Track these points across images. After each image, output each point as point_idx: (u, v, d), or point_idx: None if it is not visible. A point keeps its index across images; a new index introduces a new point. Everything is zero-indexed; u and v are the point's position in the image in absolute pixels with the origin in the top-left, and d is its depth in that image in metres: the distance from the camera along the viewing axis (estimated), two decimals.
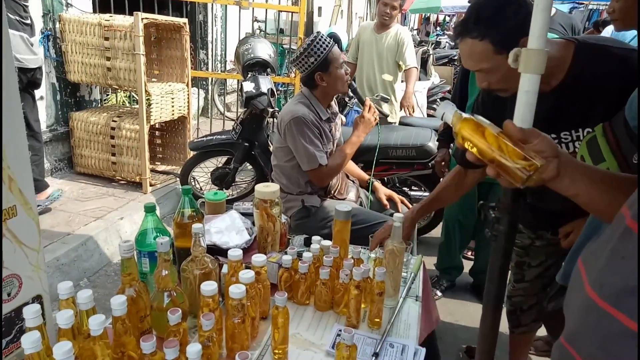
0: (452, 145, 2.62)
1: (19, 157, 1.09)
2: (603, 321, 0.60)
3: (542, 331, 2.37)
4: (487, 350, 1.02)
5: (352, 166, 2.52)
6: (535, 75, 0.84)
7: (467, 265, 2.98)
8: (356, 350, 1.11)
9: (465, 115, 0.82)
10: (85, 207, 3.39)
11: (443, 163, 2.64)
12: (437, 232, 3.34)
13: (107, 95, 4.84)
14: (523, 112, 0.86)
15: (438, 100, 5.83)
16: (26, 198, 1.11)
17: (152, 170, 4.03)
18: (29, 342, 0.81)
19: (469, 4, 1.36)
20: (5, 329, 1.11)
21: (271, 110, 3.22)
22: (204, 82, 6.34)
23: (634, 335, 0.56)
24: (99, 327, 0.90)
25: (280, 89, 5.88)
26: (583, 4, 10.64)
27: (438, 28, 17.08)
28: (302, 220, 2.18)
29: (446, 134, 2.63)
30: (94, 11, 4.13)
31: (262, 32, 6.48)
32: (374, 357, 1.19)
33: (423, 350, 1.25)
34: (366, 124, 2.20)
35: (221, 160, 3.69)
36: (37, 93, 3.67)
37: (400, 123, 3.78)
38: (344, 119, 2.75)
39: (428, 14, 15.21)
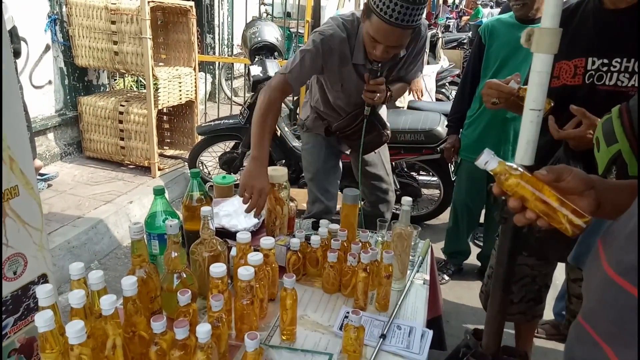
0: (461, 131, 2.59)
1: (18, 138, 1.10)
2: (620, 297, 0.61)
3: (549, 315, 2.38)
4: (494, 332, 1.02)
5: None
6: (549, 55, 0.83)
7: (475, 250, 2.99)
8: (364, 332, 1.12)
9: (512, 164, 0.80)
10: (94, 191, 3.42)
11: (453, 149, 2.61)
12: (444, 217, 3.34)
13: (115, 79, 4.84)
14: (535, 93, 0.85)
15: (447, 84, 5.76)
16: (27, 178, 1.13)
17: (161, 155, 4.05)
18: (42, 320, 0.83)
19: None
20: (12, 306, 1.13)
21: None
22: (211, 67, 6.31)
23: None
24: (110, 306, 0.91)
25: None
26: None
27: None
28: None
29: (456, 120, 2.60)
30: None
31: (269, 16, 6.43)
32: (381, 339, 1.20)
33: (430, 332, 1.25)
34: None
35: (229, 144, 3.70)
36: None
37: (409, 107, 3.75)
38: None
39: None
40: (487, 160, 0.81)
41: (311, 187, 2.18)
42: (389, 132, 2.02)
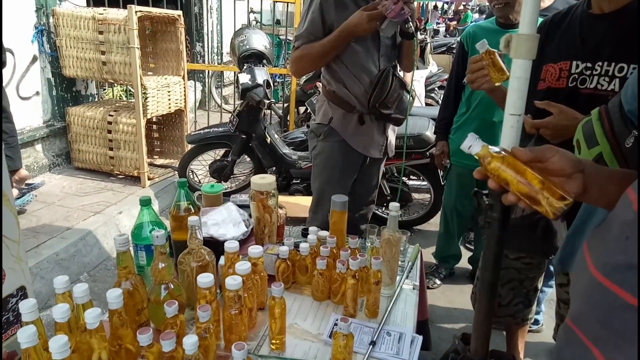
0: (449, 137, 2.60)
1: None
2: (607, 299, 0.62)
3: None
4: (482, 336, 1.03)
5: None
6: (527, 60, 0.84)
7: (466, 254, 3.00)
8: (353, 339, 1.12)
9: (495, 149, 0.81)
10: (83, 202, 3.39)
11: (442, 155, 2.62)
12: (435, 221, 3.35)
13: (104, 89, 4.82)
14: (514, 100, 0.85)
15: (436, 89, 5.80)
16: (3, 190, 1.11)
17: (150, 164, 4.03)
18: (25, 336, 0.82)
19: None
20: None
21: (267, 101, 3.20)
22: (201, 75, 6.31)
23: (636, 310, 0.57)
24: (94, 320, 0.90)
25: (278, 80, 5.86)
26: None
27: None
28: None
29: (443, 126, 2.61)
30: (88, 5, 4.10)
31: (258, 23, 6.44)
32: (371, 346, 1.20)
33: (420, 338, 1.25)
34: (361, 22, 1.74)
35: (219, 152, 3.69)
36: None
37: None
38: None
39: (427, 3, 14.95)
40: (471, 145, 0.81)
41: (322, 197, 2.08)
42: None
